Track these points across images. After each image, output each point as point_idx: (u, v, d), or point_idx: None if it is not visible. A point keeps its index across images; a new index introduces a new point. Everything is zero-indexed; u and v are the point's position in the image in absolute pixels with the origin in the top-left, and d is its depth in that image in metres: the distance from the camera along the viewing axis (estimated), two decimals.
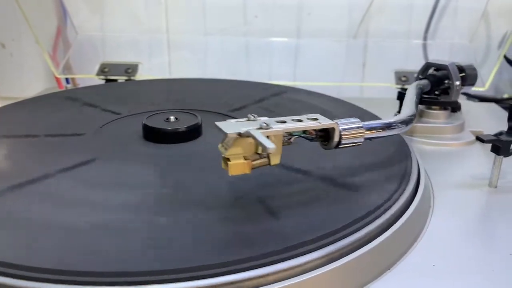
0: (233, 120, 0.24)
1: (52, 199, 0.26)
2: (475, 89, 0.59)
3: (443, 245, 0.26)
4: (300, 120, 0.25)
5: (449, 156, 0.38)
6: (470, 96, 0.63)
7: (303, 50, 0.69)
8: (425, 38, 0.63)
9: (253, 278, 0.20)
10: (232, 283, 0.20)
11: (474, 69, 0.43)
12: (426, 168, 0.35)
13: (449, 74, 0.42)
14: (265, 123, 0.23)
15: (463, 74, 0.42)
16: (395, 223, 0.26)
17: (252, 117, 0.24)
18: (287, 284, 0.21)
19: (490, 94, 0.69)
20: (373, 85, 0.65)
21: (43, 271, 0.20)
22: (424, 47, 0.63)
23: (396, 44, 0.66)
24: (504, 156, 0.32)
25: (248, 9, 0.68)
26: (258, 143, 0.22)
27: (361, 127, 0.26)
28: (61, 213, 0.24)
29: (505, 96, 0.66)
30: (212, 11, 0.68)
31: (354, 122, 0.26)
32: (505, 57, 0.64)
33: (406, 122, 0.31)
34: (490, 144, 0.32)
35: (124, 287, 0.19)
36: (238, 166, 0.22)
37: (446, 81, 0.42)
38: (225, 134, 0.22)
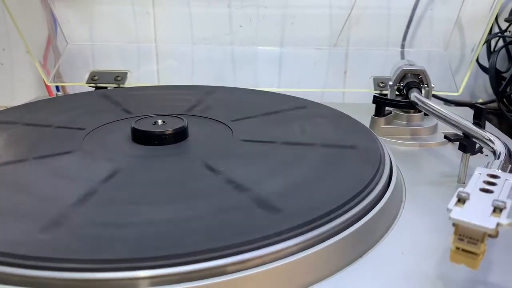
0: (453, 205, 0.21)
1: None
2: (449, 94, 0.62)
3: (412, 235, 0.28)
4: (494, 176, 0.24)
5: (422, 155, 0.41)
6: (447, 101, 0.66)
7: (287, 58, 0.71)
8: (402, 46, 0.66)
9: (236, 263, 0.22)
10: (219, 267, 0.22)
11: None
12: (400, 166, 0.37)
13: (425, 78, 0.45)
14: (500, 202, 0.21)
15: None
16: (367, 214, 0.28)
17: (465, 194, 0.22)
18: (266, 268, 0.22)
19: (466, 99, 0.73)
20: (354, 90, 0.67)
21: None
22: (402, 54, 0.66)
23: (376, 52, 0.69)
24: (471, 154, 0.34)
25: (233, 19, 0.70)
26: None
27: None
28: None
29: (480, 101, 0.69)
30: (199, 21, 0.70)
31: None
32: (478, 63, 0.67)
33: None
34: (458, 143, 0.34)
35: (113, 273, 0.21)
36: (480, 259, 0.21)
37: (421, 85, 0.45)
38: (487, 230, 0.20)
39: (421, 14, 0.67)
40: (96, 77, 0.61)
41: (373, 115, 0.44)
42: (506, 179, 0.24)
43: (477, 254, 0.21)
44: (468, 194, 0.22)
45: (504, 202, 0.21)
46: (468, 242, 0.21)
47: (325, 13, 0.69)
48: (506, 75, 0.65)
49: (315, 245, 0.24)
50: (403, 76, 0.45)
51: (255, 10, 0.70)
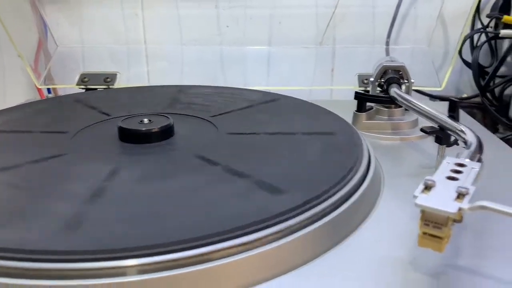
0: (419, 192, 0.22)
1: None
2: (433, 90, 0.64)
3: (389, 224, 0.29)
4: (461, 165, 0.25)
5: (402, 149, 0.42)
6: (432, 97, 0.67)
7: (275, 57, 0.73)
8: (387, 44, 0.67)
9: (220, 249, 0.23)
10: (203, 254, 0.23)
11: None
12: (380, 159, 0.38)
13: (405, 73, 0.46)
14: (463, 188, 0.22)
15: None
16: (344, 203, 0.29)
17: (431, 181, 0.23)
18: (250, 254, 0.24)
19: (452, 94, 0.74)
20: (339, 88, 0.68)
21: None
22: (387, 52, 0.68)
23: (362, 50, 0.70)
24: (447, 146, 0.36)
25: (221, 19, 0.71)
26: (501, 213, 0.21)
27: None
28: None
29: (464, 95, 0.70)
30: (187, 22, 0.71)
31: None
32: (462, 59, 0.68)
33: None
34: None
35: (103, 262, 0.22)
36: (446, 243, 0.22)
37: (401, 80, 0.46)
38: (449, 214, 0.21)
39: (405, 12, 0.69)
40: (86, 79, 0.62)
41: (355, 111, 0.45)
42: (472, 168, 0.25)
43: (441, 238, 0.22)
44: (434, 181, 0.23)
45: (467, 189, 0.22)
46: (433, 226, 0.22)
47: (312, 13, 0.70)
48: (490, 70, 0.66)
49: (295, 232, 0.25)
50: (384, 72, 0.46)
51: (243, 10, 0.71)
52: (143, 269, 0.22)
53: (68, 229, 0.24)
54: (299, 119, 0.42)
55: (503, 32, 0.60)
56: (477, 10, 0.68)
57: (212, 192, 0.29)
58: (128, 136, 0.37)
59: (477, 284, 0.23)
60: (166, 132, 0.38)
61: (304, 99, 0.51)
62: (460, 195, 0.22)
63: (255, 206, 0.27)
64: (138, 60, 0.74)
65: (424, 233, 0.22)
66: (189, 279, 0.22)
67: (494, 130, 0.65)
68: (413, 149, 0.42)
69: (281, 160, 0.33)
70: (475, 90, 0.69)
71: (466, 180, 0.24)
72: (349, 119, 0.45)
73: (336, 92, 0.74)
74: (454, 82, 0.74)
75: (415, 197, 0.22)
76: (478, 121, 0.67)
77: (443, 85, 0.59)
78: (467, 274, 0.24)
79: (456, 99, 0.35)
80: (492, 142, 0.45)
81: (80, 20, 0.71)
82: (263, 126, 0.40)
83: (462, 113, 0.55)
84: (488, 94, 0.68)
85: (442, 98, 0.68)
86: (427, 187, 0.23)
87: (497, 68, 0.65)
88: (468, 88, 0.74)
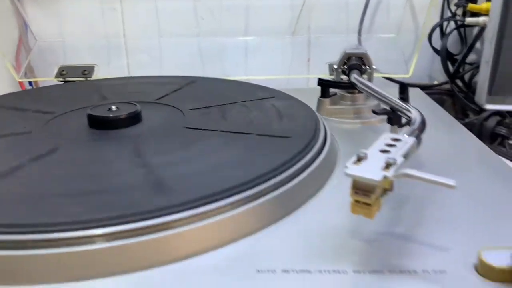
0: (351, 163, 0.24)
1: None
2: (402, 77, 0.65)
3: (337, 197, 0.31)
4: (397, 140, 0.27)
5: (363, 132, 0.44)
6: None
7: (252, 47, 0.74)
8: (359, 33, 0.69)
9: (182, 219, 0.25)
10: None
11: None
12: (340, 140, 0.40)
13: (367, 60, 0.48)
14: (391, 158, 0.24)
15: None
16: (302, 172, 0.31)
17: (363, 154, 0.24)
18: (212, 220, 0.26)
19: (425, 81, 0.76)
20: (315, 76, 0.70)
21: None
22: (359, 41, 0.69)
23: (336, 39, 0.72)
24: (398, 127, 0.37)
25: (198, 11, 0.72)
26: (430, 183, 0.23)
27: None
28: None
29: (435, 82, 0.72)
30: (165, 15, 0.73)
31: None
32: (432, 47, 0.70)
33: None
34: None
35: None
36: (375, 210, 0.23)
37: (363, 67, 0.48)
38: (373, 182, 0.22)
39: (377, 1, 0.71)
40: (64, 72, 0.63)
41: (319, 97, 0.47)
42: (406, 142, 0.27)
43: (371, 205, 0.24)
44: (366, 154, 0.25)
45: (395, 159, 0.24)
46: (363, 194, 0.24)
47: (286, 3, 0.72)
48: (459, 57, 0.68)
49: (249, 202, 0.27)
50: (348, 59, 0.48)
51: (219, 1, 0.72)
52: (108, 238, 0.24)
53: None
54: (265, 108, 0.43)
55: (468, 20, 0.62)
56: None
57: (172, 170, 0.30)
58: (97, 123, 0.39)
59: (410, 249, 0.25)
60: (126, 120, 0.39)
61: (281, 88, 0.53)
62: (388, 165, 0.24)
63: (216, 179, 0.29)
64: (117, 53, 0.75)
65: (356, 201, 0.24)
66: (151, 245, 0.24)
67: (464, 116, 0.68)
68: (373, 132, 0.44)
69: (241, 140, 0.35)
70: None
71: (397, 152, 0.25)
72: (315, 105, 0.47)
73: (313, 81, 0.76)
74: (426, 69, 0.76)
75: (346, 167, 0.24)
76: (448, 107, 0.69)
77: (411, 72, 0.60)
78: (401, 241, 0.26)
79: (405, 82, 0.36)
80: (453, 126, 0.47)
81: (59, 14, 0.72)
82: (230, 123, 0.41)
83: (429, 100, 0.58)
84: (459, 81, 0.70)
85: (410, 85, 0.69)
86: (359, 159, 0.25)
87: (465, 56, 0.67)
88: (440, 75, 0.76)
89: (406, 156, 0.26)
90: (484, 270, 0.23)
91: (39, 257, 0.23)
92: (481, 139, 0.49)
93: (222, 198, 0.27)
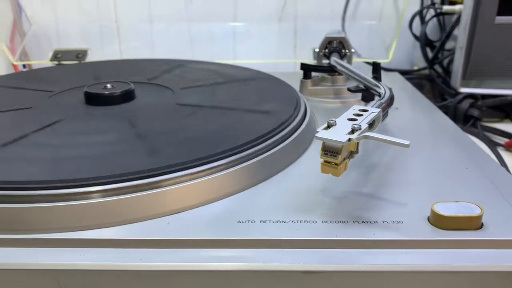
0: (321, 129, 0.27)
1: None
2: (382, 62, 0.69)
3: (314, 164, 0.34)
4: (364, 110, 0.30)
5: (340, 110, 0.46)
6: (383, 69, 0.72)
7: (241, 33, 0.77)
8: (343, 19, 0.72)
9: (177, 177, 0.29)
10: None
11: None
12: (319, 117, 0.43)
13: (346, 44, 0.51)
14: (357, 125, 0.27)
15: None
16: (282, 142, 0.34)
17: (333, 121, 0.28)
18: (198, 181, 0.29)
19: (407, 67, 0.80)
20: (301, 61, 0.73)
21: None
22: (343, 27, 0.72)
23: (321, 26, 0.75)
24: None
25: None
26: (388, 143, 0.26)
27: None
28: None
29: (415, 68, 0.76)
30: (156, 0, 0.75)
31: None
32: (413, 34, 0.74)
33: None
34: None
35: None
36: (342, 169, 0.27)
37: (343, 50, 0.51)
38: (339, 144, 0.26)
39: None
40: (59, 55, 0.66)
41: (301, 79, 0.50)
42: (372, 112, 0.30)
43: (337, 164, 0.27)
44: (335, 121, 0.28)
45: (360, 125, 0.28)
46: (331, 155, 0.27)
47: None
48: (438, 44, 0.72)
49: (239, 164, 0.31)
50: (328, 43, 0.51)
51: None
52: (105, 194, 0.27)
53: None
54: (251, 87, 0.47)
55: (445, 8, 0.65)
56: None
57: (161, 140, 0.34)
58: (93, 99, 0.42)
59: (373, 204, 0.29)
60: (119, 97, 0.42)
61: (269, 72, 0.56)
62: (353, 130, 0.27)
63: (204, 146, 0.32)
64: (110, 37, 0.77)
65: (326, 162, 0.27)
66: (145, 200, 0.27)
67: (442, 100, 0.71)
68: None
69: (228, 115, 0.38)
70: None
71: (362, 120, 0.29)
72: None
73: (298, 65, 0.79)
74: (408, 55, 0.79)
75: (316, 132, 0.27)
76: (427, 91, 0.73)
77: (390, 57, 0.64)
78: (365, 198, 0.30)
79: (377, 62, 0.40)
80: (429, 108, 0.50)
81: None
82: (217, 94, 0.45)
83: (407, 84, 0.61)
84: (438, 67, 0.73)
85: (390, 70, 0.73)
86: (329, 126, 0.28)
87: (443, 42, 0.71)
88: (421, 61, 0.79)
89: (371, 124, 0.29)
90: (435, 219, 0.26)
91: (53, 208, 0.26)
92: (455, 121, 0.53)
93: (208, 162, 0.30)
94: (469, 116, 0.60)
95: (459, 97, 0.61)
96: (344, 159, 0.27)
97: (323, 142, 0.27)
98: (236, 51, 0.78)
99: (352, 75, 0.42)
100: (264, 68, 0.58)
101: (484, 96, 0.61)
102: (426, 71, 0.73)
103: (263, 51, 0.77)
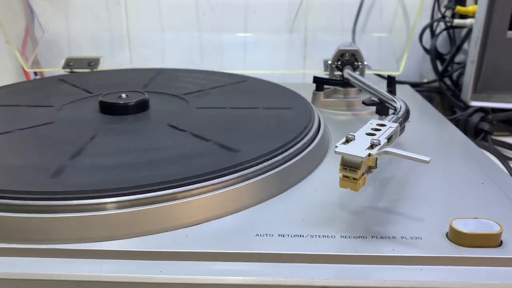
0: (340, 143, 0.27)
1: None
2: (391, 74, 0.69)
3: (329, 178, 0.34)
4: (382, 125, 0.30)
5: (353, 122, 0.47)
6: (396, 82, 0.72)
7: (251, 44, 0.77)
8: (353, 32, 0.73)
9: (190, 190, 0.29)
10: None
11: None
12: (332, 130, 0.43)
13: (359, 56, 0.51)
14: (376, 140, 0.27)
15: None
16: (297, 156, 0.34)
17: (352, 136, 0.28)
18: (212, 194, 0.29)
19: (416, 80, 0.80)
20: (310, 72, 0.74)
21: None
22: (353, 40, 0.73)
23: (331, 38, 0.75)
24: (386, 117, 0.41)
25: (199, 7, 0.76)
26: (408, 159, 0.26)
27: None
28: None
29: (425, 80, 0.76)
30: (167, 9, 0.76)
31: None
32: (423, 46, 0.74)
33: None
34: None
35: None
36: (361, 184, 0.27)
37: (356, 63, 0.51)
38: (359, 159, 0.26)
39: (371, 2, 0.74)
40: (71, 63, 0.66)
41: (314, 91, 0.50)
42: (390, 127, 0.30)
43: (356, 179, 0.27)
44: (353, 135, 0.28)
45: (379, 140, 0.28)
46: (350, 170, 0.27)
47: (284, 3, 0.75)
48: (448, 57, 0.72)
49: (257, 176, 0.31)
50: (341, 55, 0.51)
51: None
52: (122, 205, 0.27)
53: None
54: (263, 97, 0.47)
55: (456, 21, 0.66)
56: (437, 1, 0.73)
57: (183, 149, 0.34)
58: (107, 108, 0.42)
59: (391, 219, 0.29)
60: (141, 105, 0.42)
61: (278, 83, 0.56)
62: (373, 145, 0.27)
63: (218, 159, 0.32)
64: (121, 45, 0.78)
65: (345, 176, 0.27)
66: (164, 212, 0.28)
67: (452, 112, 0.71)
68: (363, 123, 0.46)
69: (242, 127, 0.39)
70: None
71: (381, 135, 0.29)
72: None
73: (309, 76, 0.80)
74: (417, 68, 0.79)
75: (336, 146, 0.27)
76: (437, 103, 0.73)
77: (401, 69, 0.64)
78: (383, 213, 0.30)
79: (392, 76, 0.40)
80: (440, 121, 0.50)
81: (66, 8, 0.75)
82: (230, 102, 0.45)
83: (418, 97, 0.61)
84: (448, 80, 0.73)
85: (405, 83, 0.73)
86: (348, 140, 0.28)
87: (454, 55, 0.71)
88: (430, 74, 0.79)
89: (389, 139, 0.29)
90: (453, 236, 0.26)
91: (69, 219, 0.26)
92: (466, 134, 0.53)
93: (225, 175, 0.30)
94: (479, 129, 0.60)
95: (470, 110, 0.61)
96: (363, 174, 0.27)
97: (342, 157, 0.27)
98: (245, 61, 0.78)
99: (367, 88, 0.42)
100: (273, 78, 0.58)
101: (494, 110, 0.61)
102: (436, 84, 0.73)
103: (273, 62, 0.78)
